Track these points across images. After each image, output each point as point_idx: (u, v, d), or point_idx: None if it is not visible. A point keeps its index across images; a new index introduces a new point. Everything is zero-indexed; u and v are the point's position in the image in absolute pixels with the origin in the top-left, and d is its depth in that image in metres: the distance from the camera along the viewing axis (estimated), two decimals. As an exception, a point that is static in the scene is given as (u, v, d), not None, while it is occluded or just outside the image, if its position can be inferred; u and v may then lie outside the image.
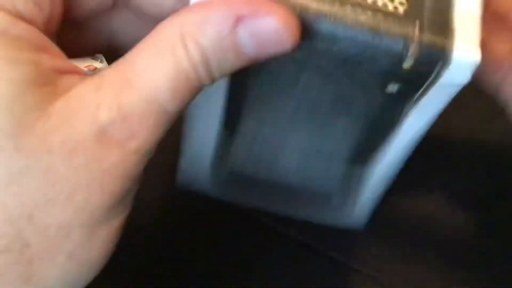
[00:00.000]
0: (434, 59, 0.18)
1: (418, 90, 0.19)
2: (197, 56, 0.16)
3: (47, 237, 0.16)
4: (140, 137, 0.16)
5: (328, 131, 0.23)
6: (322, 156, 0.23)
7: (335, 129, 0.22)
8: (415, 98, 0.20)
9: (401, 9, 0.18)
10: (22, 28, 0.17)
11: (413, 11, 0.18)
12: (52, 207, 0.16)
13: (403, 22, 0.18)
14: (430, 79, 0.19)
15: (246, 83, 0.21)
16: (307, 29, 0.17)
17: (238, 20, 0.16)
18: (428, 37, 0.18)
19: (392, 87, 0.20)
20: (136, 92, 0.16)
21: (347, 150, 0.23)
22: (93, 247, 0.17)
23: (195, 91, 0.17)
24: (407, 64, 0.18)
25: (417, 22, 0.18)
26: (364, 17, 0.18)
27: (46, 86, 0.16)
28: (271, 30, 0.16)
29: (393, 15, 0.18)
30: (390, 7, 0.18)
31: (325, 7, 0.18)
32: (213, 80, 0.17)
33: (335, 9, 0.18)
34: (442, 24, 0.18)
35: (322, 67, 0.20)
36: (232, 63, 0.17)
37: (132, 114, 0.16)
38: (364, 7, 0.18)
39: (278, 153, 0.23)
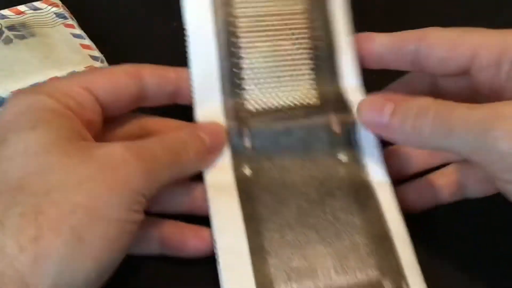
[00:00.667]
0: (349, 121, 0.29)
1: (356, 151, 0.29)
2: None
3: (59, 209, 0.21)
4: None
5: (330, 214, 0.27)
6: (343, 239, 0.26)
7: (332, 209, 0.27)
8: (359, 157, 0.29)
9: (317, 102, 0.30)
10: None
11: (323, 99, 0.30)
12: (66, 188, 0.22)
13: (322, 108, 0.30)
14: (356, 135, 0.29)
15: (253, 199, 0.27)
16: (272, 133, 0.29)
17: None
18: (338, 108, 0.30)
19: (343, 157, 0.29)
20: None
21: (356, 224, 0.27)
22: (97, 232, 0.22)
23: None
24: (336, 129, 0.29)
25: (330, 106, 0.30)
26: (301, 112, 0.29)
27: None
28: None
29: (315, 105, 0.30)
30: (311, 102, 0.30)
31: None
32: None
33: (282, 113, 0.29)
34: (343, 102, 0.30)
35: (293, 161, 0.28)
36: None
37: None
38: (298, 107, 0.30)
39: (311, 255, 0.26)
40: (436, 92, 0.31)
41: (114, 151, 0.24)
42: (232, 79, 0.30)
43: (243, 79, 0.30)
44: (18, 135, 0.23)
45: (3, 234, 0.20)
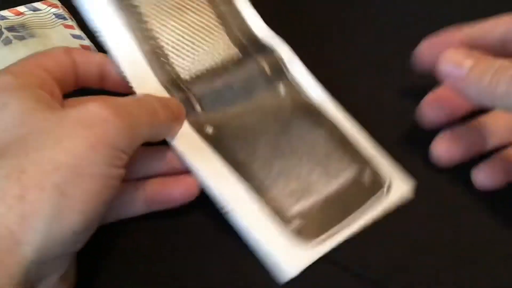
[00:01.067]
0: (275, 60, 0.34)
1: (293, 83, 0.33)
2: None
3: (40, 167, 0.22)
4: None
5: (297, 137, 0.31)
6: (317, 151, 0.31)
7: (298, 134, 0.31)
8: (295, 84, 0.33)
9: (239, 53, 0.34)
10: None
11: (243, 51, 0.34)
12: (45, 148, 0.23)
13: (247, 57, 0.34)
14: (286, 70, 0.33)
15: (229, 151, 0.30)
16: (215, 92, 0.32)
17: None
18: (259, 52, 0.34)
19: (281, 91, 0.33)
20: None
21: (320, 135, 0.31)
22: (80, 187, 0.23)
23: None
24: (267, 70, 0.33)
25: (253, 54, 0.34)
26: (232, 66, 0.33)
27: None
28: None
29: (239, 58, 0.34)
30: (235, 55, 0.34)
31: None
32: None
33: (214, 72, 0.33)
34: (261, 47, 0.35)
35: (244, 107, 0.32)
36: None
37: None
38: (225, 62, 0.33)
39: (301, 174, 0.30)
40: None
41: (91, 109, 0.24)
42: (158, 59, 0.32)
43: (167, 55, 0.32)
44: None
45: None
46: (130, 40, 0.32)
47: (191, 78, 0.32)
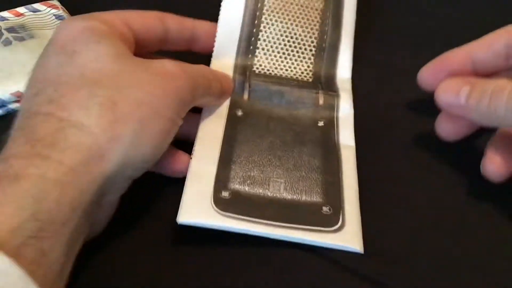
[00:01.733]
0: (332, 99, 0.35)
1: (333, 120, 0.35)
2: None
3: (128, 103, 0.26)
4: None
5: (296, 153, 0.33)
6: (300, 171, 0.32)
7: (300, 152, 0.33)
8: (335, 125, 0.34)
9: (310, 80, 0.37)
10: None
11: (316, 79, 0.37)
12: (132, 87, 0.27)
13: (313, 84, 0.36)
14: (335, 109, 0.35)
15: (236, 129, 0.33)
16: (268, 91, 0.35)
17: None
18: (326, 87, 0.36)
19: (320, 122, 0.34)
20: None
21: (315, 166, 0.32)
22: (155, 125, 0.27)
23: None
24: (321, 101, 0.35)
25: (319, 85, 0.36)
26: (296, 83, 0.36)
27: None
28: None
29: (307, 81, 0.37)
30: (305, 79, 0.37)
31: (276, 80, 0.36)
32: None
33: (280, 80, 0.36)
34: (332, 85, 0.37)
35: (280, 115, 0.34)
36: None
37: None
38: (294, 79, 0.36)
39: (268, 172, 0.31)
40: None
41: (167, 65, 0.29)
42: (248, 44, 0.36)
43: (256, 47, 0.37)
44: (87, 46, 0.28)
45: (89, 116, 0.26)
46: (239, 19, 0.36)
47: (259, 73, 0.36)
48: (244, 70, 0.36)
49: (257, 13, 0.37)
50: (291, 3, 0.37)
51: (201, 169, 0.31)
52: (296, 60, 0.37)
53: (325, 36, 0.37)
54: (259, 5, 0.37)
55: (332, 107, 0.35)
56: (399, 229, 0.31)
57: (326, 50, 0.37)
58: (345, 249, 0.29)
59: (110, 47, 0.28)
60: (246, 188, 0.30)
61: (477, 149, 0.33)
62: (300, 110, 0.35)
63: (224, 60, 0.36)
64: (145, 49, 0.33)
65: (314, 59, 0.37)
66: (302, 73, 0.37)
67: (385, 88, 0.39)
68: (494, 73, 0.32)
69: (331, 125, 0.34)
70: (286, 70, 0.37)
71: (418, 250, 0.30)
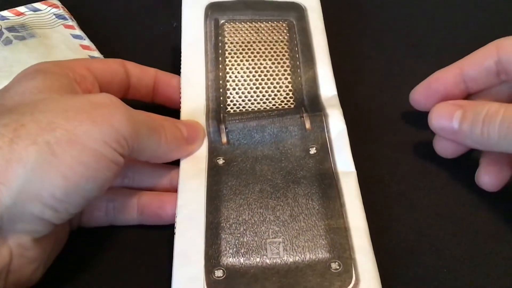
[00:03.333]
0: (320, 119, 0.32)
1: (326, 143, 0.31)
2: None
3: (39, 125, 0.23)
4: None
5: (291, 198, 0.29)
6: (299, 221, 0.28)
7: (295, 194, 0.29)
8: (329, 149, 0.31)
9: (292, 106, 0.34)
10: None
11: (298, 104, 0.34)
12: (50, 111, 0.24)
13: (295, 109, 0.33)
14: (325, 130, 0.32)
15: (220, 182, 0.30)
16: (247, 129, 0.32)
17: None
18: (312, 110, 0.33)
19: (312, 150, 0.31)
20: None
21: (315, 209, 0.29)
22: (70, 153, 0.23)
23: None
24: (307, 124, 0.32)
25: (302, 108, 0.33)
26: (276, 113, 0.32)
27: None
28: None
29: (289, 108, 0.33)
30: (286, 106, 0.34)
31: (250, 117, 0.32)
32: None
33: (258, 114, 0.32)
34: (317, 105, 0.33)
35: (265, 153, 0.31)
36: None
37: None
38: (273, 110, 0.33)
39: (263, 233, 0.28)
40: None
41: (103, 95, 0.27)
42: (216, 88, 0.34)
43: (226, 88, 0.34)
44: (20, 83, 0.27)
45: None
46: (201, 66, 0.35)
47: (234, 112, 0.33)
48: (217, 113, 0.33)
49: (220, 59, 0.35)
50: (253, 42, 0.36)
51: (187, 245, 0.27)
52: (272, 91, 0.34)
53: (298, 62, 0.35)
54: (219, 51, 0.35)
55: (322, 128, 0.32)
56: (399, 229, 0.31)
57: (303, 74, 0.35)
58: None
59: (42, 82, 0.26)
60: (241, 260, 0.27)
61: (476, 149, 0.33)
62: (287, 141, 0.32)
63: (194, 107, 0.33)
64: (118, 95, 0.30)
65: (292, 85, 0.34)
66: (282, 101, 0.34)
67: (385, 88, 0.39)
68: (486, 89, 0.32)
69: (325, 150, 0.31)
70: (264, 102, 0.34)
71: (419, 251, 0.30)
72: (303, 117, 0.32)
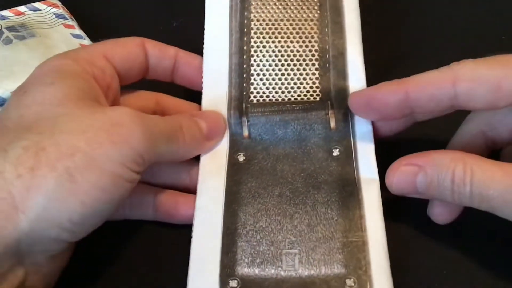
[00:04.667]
0: (346, 118, 0.31)
1: (350, 146, 0.30)
2: None
3: (59, 149, 0.23)
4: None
5: (310, 205, 0.28)
6: (316, 231, 0.27)
7: (314, 201, 0.28)
8: (352, 152, 0.30)
9: (317, 98, 0.32)
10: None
11: (325, 95, 0.32)
12: (70, 132, 0.24)
13: (321, 103, 0.31)
14: (351, 131, 0.30)
15: (239, 183, 0.29)
16: (270, 123, 0.30)
17: None
18: (338, 104, 0.31)
19: (335, 151, 0.30)
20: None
21: (333, 219, 0.28)
22: (88, 178, 0.23)
23: None
24: (332, 123, 0.30)
25: (329, 103, 0.31)
26: (300, 106, 0.31)
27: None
28: None
29: (314, 101, 0.32)
30: (311, 98, 0.32)
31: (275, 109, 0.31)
32: None
33: (283, 107, 0.31)
34: (343, 99, 0.31)
35: (287, 151, 0.30)
36: None
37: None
38: (297, 102, 0.31)
39: (279, 242, 0.27)
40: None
41: (122, 111, 0.26)
42: (240, 73, 0.32)
43: (250, 73, 0.32)
44: (37, 88, 0.26)
45: (5, 160, 0.22)
46: (225, 47, 0.33)
47: (258, 102, 0.32)
48: (240, 103, 0.31)
49: (244, 39, 0.33)
50: (281, 20, 0.33)
51: (203, 252, 0.27)
52: (298, 79, 0.32)
53: (327, 46, 0.33)
54: (245, 29, 0.33)
55: (347, 129, 0.30)
56: (400, 228, 0.31)
57: (331, 61, 0.32)
58: None
59: (61, 89, 0.26)
60: (256, 271, 0.26)
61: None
62: (310, 139, 0.30)
63: (216, 94, 0.32)
64: (129, 79, 0.31)
65: (319, 74, 0.32)
66: (308, 91, 0.32)
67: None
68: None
69: (348, 153, 0.30)
70: (289, 92, 0.32)
71: (419, 251, 0.30)
72: (328, 114, 0.30)
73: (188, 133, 0.29)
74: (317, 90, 0.32)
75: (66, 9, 0.42)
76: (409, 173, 0.27)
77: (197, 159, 0.31)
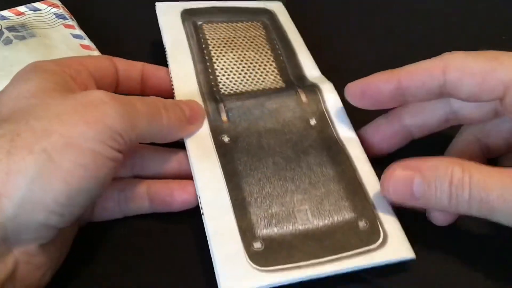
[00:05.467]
0: (314, 92, 0.34)
1: (324, 114, 0.33)
2: None
3: (34, 133, 0.23)
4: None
5: (305, 167, 0.30)
6: (319, 187, 0.30)
7: (308, 163, 0.31)
8: (327, 119, 0.33)
9: (283, 85, 0.35)
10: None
11: (289, 84, 0.35)
12: (44, 118, 0.24)
13: (289, 86, 0.35)
14: (321, 101, 0.34)
15: (233, 160, 0.30)
16: (246, 106, 0.33)
17: None
18: (307, 84, 0.35)
19: (311, 121, 0.33)
20: None
21: (330, 175, 0.30)
22: (68, 157, 0.23)
23: None
24: (303, 98, 0.34)
25: (295, 85, 0.35)
26: (271, 91, 0.34)
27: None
28: None
29: (281, 87, 0.35)
30: (278, 85, 0.35)
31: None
32: None
33: (254, 93, 0.34)
34: (307, 82, 0.35)
35: (267, 127, 0.32)
36: None
37: None
38: (267, 89, 0.35)
39: (288, 203, 0.29)
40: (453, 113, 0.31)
41: (94, 93, 0.26)
42: (206, 75, 0.35)
43: (216, 75, 0.35)
44: (14, 86, 0.27)
45: None
46: (188, 57, 0.36)
47: (229, 93, 0.34)
48: (213, 96, 0.34)
49: (205, 51, 0.36)
50: (234, 37, 0.37)
51: (219, 225, 0.28)
52: (261, 75, 0.35)
53: (279, 52, 0.37)
54: (203, 45, 0.36)
55: (318, 100, 0.34)
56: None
57: (286, 62, 0.37)
58: (398, 261, 0.27)
59: (35, 83, 0.26)
60: (275, 230, 0.28)
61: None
62: (286, 114, 0.33)
63: (188, 93, 0.33)
64: (102, 88, 0.30)
65: (278, 71, 0.36)
66: (272, 83, 0.35)
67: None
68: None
69: (324, 120, 0.33)
70: (255, 85, 0.35)
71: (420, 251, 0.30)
72: (298, 91, 0.34)
73: (173, 112, 0.29)
74: (280, 81, 0.35)
75: (66, 9, 0.42)
76: (406, 177, 0.27)
77: (182, 147, 0.31)
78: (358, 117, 0.33)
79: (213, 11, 0.39)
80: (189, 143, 0.31)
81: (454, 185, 0.26)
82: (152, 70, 0.34)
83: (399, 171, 0.27)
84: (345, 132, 0.32)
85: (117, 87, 0.33)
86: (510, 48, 0.27)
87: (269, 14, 0.40)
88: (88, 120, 0.24)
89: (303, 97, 0.33)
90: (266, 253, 0.27)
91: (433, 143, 0.33)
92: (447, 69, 0.28)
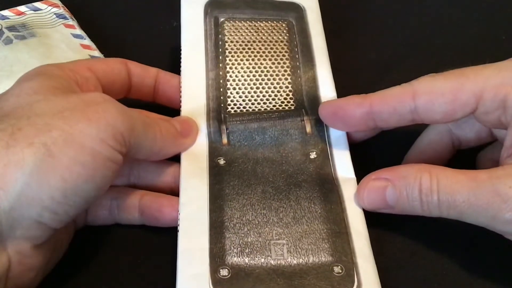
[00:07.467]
0: (320, 123, 0.32)
1: (326, 149, 0.32)
2: None
3: (35, 127, 0.23)
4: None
5: (293, 200, 0.29)
6: (302, 223, 0.28)
7: (297, 197, 0.29)
8: (329, 154, 0.32)
9: (292, 107, 0.34)
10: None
11: (299, 105, 0.34)
12: (46, 114, 0.24)
13: (296, 111, 0.33)
14: (326, 135, 0.32)
15: (222, 181, 0.30)
16: (248, 130, 0.32)
17: None
18: (312, 112, 0.33)
19: (312, 154, 0.31)
20: None
21: (317, 213, 0.29)
22: (68, 153, 0.23)
23: None
24: (308, 128, 0.32)
25: (303, 110, 0.33)
26: (276, 114, 0.33)
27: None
28: None
29: (289, 109, 0.34)
30: (286, 107, 0.34)
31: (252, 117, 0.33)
32: None
33: (259, 116, 0.33)
34: (317, 107, 0.32)
35: (266, 155, 0.31)
36: None
37: None
38: (274, 111, 0.33)
39: (267, 234, 0.28)
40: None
41: (95, 94, 0.27)
42: (217, 87, 0.34)
43: (227, 88, 0.34)
44: (17, 85, 0.27)
45: None
46: (202, 64, 0.35)
47: (235, 112, 0.33)
48: (218, 113, 0.33)
49: (220, 58, 0.35)
50: (254, 41, 0.36)
51: (191, 243, 0.27)
52: (273, 92, 0.34)
53: (297, 63, 0.35)
54: (219, 50, 0.35)
55: (322, 134, 0.32)
56: (400, 229, 0.31)
57: (302, 74, 0.35)
58: None
59: (38, 82, 0.26)
60: (246, 260, 0.27)
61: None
62: (288, 144, 0.32)
63: (194, 107, 0.33)
64: (111, 94, 0.30)
65: (292, 87, 0.35)
66: (283, 102, 0.34)
67: (382, 88, 0.39)
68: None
69: (325, 155, 0.31)
70: (264, 103, 0.34)
71: (418, 254, 0.30)
72: (303, 120, 0.32)
73: (164, 128, 0.29)
74: (291, 101, 0.34)
75: (66, 9, 0.42)
76: (379, 187, 0.28)
77: (179, 161, 0.31)
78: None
79: (238, 4, 0.38)
80: (184, 158, 0.31)
81: (424, 193, 0.26)
82: (166, 77, 0.34)
83: (372, 182, 0.29)
84: (343, 171, 0.31)
85: (129, 93, 0.33)
86: (510, 48, 0.27)
87: (298, 12, 0.38)
88: (90, 117, 0.24)
89: (308, 127, 0.32)
90: (231, 282, 0.26)
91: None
92: (416, 94, 0.28)
